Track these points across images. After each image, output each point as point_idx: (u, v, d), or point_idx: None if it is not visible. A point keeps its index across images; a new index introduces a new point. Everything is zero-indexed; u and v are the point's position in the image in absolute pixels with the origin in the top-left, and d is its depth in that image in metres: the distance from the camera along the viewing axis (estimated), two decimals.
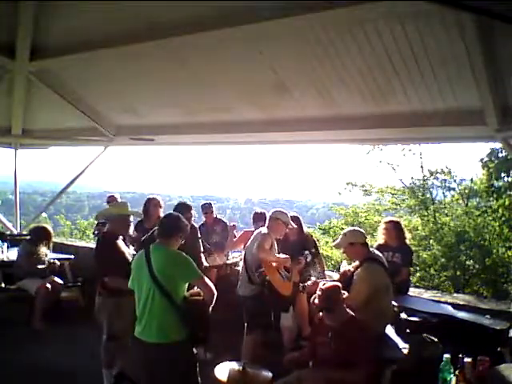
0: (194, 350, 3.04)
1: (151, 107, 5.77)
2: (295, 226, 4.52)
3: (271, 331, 4.34)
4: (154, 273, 2.91)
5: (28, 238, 6.03)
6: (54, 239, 6.49)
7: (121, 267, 3.63)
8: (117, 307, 3.69)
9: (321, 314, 3.30)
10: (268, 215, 4.39)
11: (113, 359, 3.79)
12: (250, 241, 4.34)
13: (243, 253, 4.37)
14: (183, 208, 4.46)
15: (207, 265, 4.74)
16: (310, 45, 3.79)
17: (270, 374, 3.16)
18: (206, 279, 3.01)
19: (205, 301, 2.97)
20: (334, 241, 4.01)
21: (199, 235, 4.79)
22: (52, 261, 5.84)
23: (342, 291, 3.24)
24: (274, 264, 4.15)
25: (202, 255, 4.67)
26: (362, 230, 3.98)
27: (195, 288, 3.07)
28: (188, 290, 3.05)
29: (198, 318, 2.93)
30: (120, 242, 3.87)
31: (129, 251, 3.94)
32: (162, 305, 2.89)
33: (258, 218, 5.07)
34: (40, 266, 5.63)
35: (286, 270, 4.24)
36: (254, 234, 4.38)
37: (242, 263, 4.36)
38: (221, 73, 4.55)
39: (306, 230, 5.04)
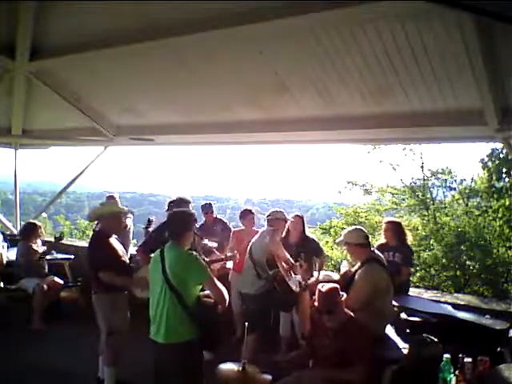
0: (204, 352, 3.07)
1: (151, 107, 5.77)
2: (292, 220, 4.59)
3: (272, 331, 4.35)
4: (166, 273, 2.93)
5: (20, 237, 6.02)
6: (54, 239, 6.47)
7: (113, 263, 3.71)
8: (112, 303, 3.72)
9: (320, 315, 3.30)
10: (265, 218, 4.45)
11: (115, 356, 3.79)
12: (255, 238, 4.36)
13: (248, 250, 4.36)
14: (182, 202, 4.46)
15: (212, 258, 4.73)
16: (310, 45, 3.79)
17: (269, 374, 3.16)
18: (216, 281, 3.00)
19: (216, 303, 2.99)
20: (334, 240, 4.02)
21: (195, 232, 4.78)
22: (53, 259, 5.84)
23: (341, 292, 3.24)
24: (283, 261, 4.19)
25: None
26: (364, 229, 3.98)
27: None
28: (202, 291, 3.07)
29: (208, 320, 2.94)
30: (112, 240, 3.90)
31: (122, 249, 3.97)
32: (172, 305, 2.91)
33: (246, 213, 5.19)
34: (40, 261, 5.63)
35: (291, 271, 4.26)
36: (260, 232, 4.41)
37: (247, 261, 4.36)
38: (221, 73, 4.55)
39: (308, 232, 5.06)
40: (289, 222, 4.58)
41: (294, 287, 4.04)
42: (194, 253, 3.06)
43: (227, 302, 3.05)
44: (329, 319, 3.18)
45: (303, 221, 4.84)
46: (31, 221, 6.32)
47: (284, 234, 4.73)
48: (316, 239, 5.10)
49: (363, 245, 3.70)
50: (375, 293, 3.43)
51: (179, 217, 3.23)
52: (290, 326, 4.64)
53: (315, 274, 4.71)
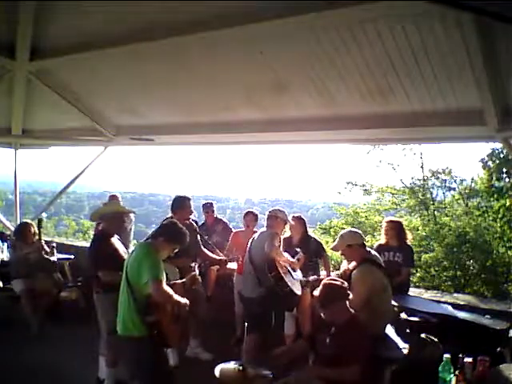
0: (160, 349, 3.12)
1: (151, 107, 5.77)
2: (293, 223, 4.62)
3: (271, 331, 4.35)
4: (127, 268, 3.08)
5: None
6: (55, 239, 6.47)
7: (114, 262, 3.70)
8: (113, 303, 3.71)
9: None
10: (266, 214, 4.44)
11: (116, 357, 3.78)
12: (253, 241, 4.34)
13: (247, 253, 4.35)
14: (182, 199, 4.50)
15: (216, 257, 4.72)
16: (310, 45, 3.79)
17: (270, 374, 3.16)
18: (163, 285, 3.02)
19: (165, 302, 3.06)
20: (334, 241, 4.01)
21: (198, 231, 4.78)
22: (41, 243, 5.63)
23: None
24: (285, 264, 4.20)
25: (206, 250, 4.67)
26: (359, 231, 3.98)
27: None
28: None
29: (154, 320, 3.00)
30: (114, 240, 3.89)
31: (123, 249, 3.96)
32: (127, 299, 3.04)
33: (247, 215, 5.29)
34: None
35: (293, 269, 4.28)
36: (257, 233, 4.39)
37: (247, 264, 4.33)
38: (221, 73, 4.55)
39: (310, 232, 5.08)
40: (289, 225, 4.61)
41: (297, 292, 4.05)
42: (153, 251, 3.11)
43: (176, 304, 3.11)
44: (324, 313, 3.19)
45: (304, 222, 4.86)
46: (23, 221, 6.17)
47: (289, 235, 4.78)
48: (318, 239, 5.11)
49: (362, 245, 3.70)
50: (371, 294, 3.43)
51: (176, 229, 3.28)
52: (294, 325, 4.64)
53: (322, 273, 4.76)
